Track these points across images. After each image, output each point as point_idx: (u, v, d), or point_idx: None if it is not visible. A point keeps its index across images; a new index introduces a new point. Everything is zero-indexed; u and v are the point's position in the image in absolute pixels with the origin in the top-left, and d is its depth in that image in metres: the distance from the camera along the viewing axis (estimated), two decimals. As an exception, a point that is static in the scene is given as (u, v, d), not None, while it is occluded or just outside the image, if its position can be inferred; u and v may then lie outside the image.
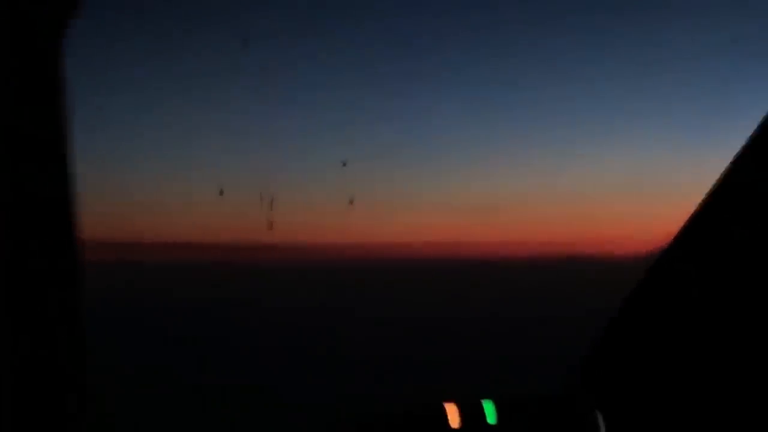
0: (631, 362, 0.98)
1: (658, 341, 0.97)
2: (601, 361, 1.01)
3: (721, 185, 0.97)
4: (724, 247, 0.95)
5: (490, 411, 0.76)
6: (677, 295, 0.98)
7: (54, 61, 0.71)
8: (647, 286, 1.00)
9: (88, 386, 0.77)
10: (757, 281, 0.90)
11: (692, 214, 0.99)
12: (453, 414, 0.75)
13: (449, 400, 0.77)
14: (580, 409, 0.81)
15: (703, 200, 0.99)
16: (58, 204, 0.71)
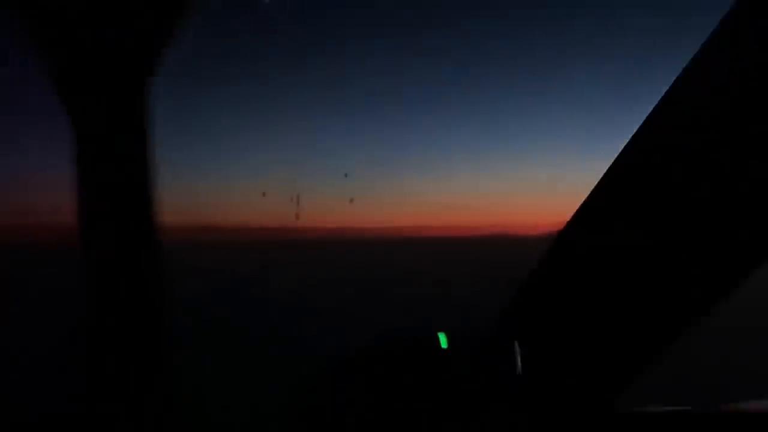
0: (544, 304, 1.21)
1: (566, 289, 1.19)
2: (519, 305, 1.24)
3: (611, 169, 1.13)
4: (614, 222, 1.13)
5: (443, 340, 1.06)
6: (579, 257, 1.18)
7: (141, 106, 0.89)
8: (556, 251, 1.20)
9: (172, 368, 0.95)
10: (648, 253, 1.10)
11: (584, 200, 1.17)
12: (424, 341, 1.04)
13: (419, 332, 1.06)
14: (502, 340, 1.07)
15: (595, 186, 1.15)
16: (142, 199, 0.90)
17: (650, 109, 1.04)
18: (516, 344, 1.08)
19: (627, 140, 1.12)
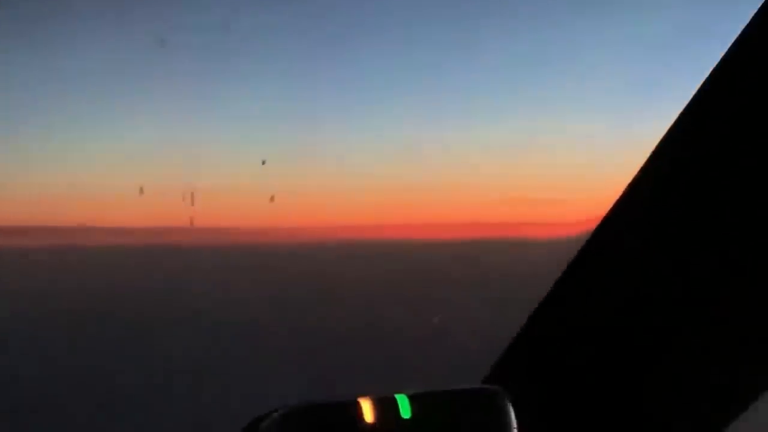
0: (545, 356, 1.00)
1: (574, 338, 0.98)
2: (516, 355, 1.02)
3: (648, 167, 0.94)
4: (648, 238, 0.95)
5: (404, 405, 0.75)
6: (597, 287, 0.98)
7: None
8: (568, 277, 1.00)
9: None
10: (685, 269, 0.92)
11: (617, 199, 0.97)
12: (367, 409, 0.73)
13: (363, 395, 0.75)
14: (492, 402, 0.80)
15: (630, 183, 0.96)
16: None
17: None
18: (510, 406, 0.80)
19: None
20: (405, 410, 0.74)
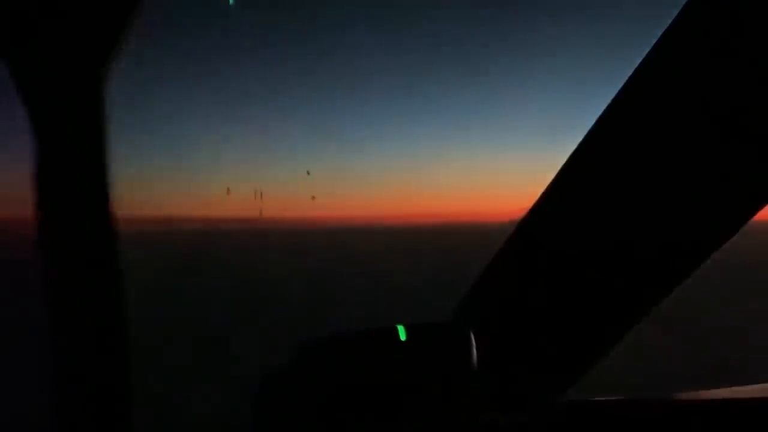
0: (500, 295, 1.27)
1: (522, 281, 1.24)
2: (476, 296, 1.30)
3: (578, 154, 1.12)
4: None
5: (402, 333, 1.04)
6: (536, 250, 1.21)
7: (98, 88, 0.89)
8: (513, 242, 1.23)
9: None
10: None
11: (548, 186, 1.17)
12: (379, 334, 1.03)
13: (375, 327, 1.08)
14: (459, 331, 1.08)
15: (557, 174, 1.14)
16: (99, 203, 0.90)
17: (611, 98, 1.07)
18: (472, 335, 1.09)
19: (589, 129, 1.12)
20: (403, 336, 1.06)
